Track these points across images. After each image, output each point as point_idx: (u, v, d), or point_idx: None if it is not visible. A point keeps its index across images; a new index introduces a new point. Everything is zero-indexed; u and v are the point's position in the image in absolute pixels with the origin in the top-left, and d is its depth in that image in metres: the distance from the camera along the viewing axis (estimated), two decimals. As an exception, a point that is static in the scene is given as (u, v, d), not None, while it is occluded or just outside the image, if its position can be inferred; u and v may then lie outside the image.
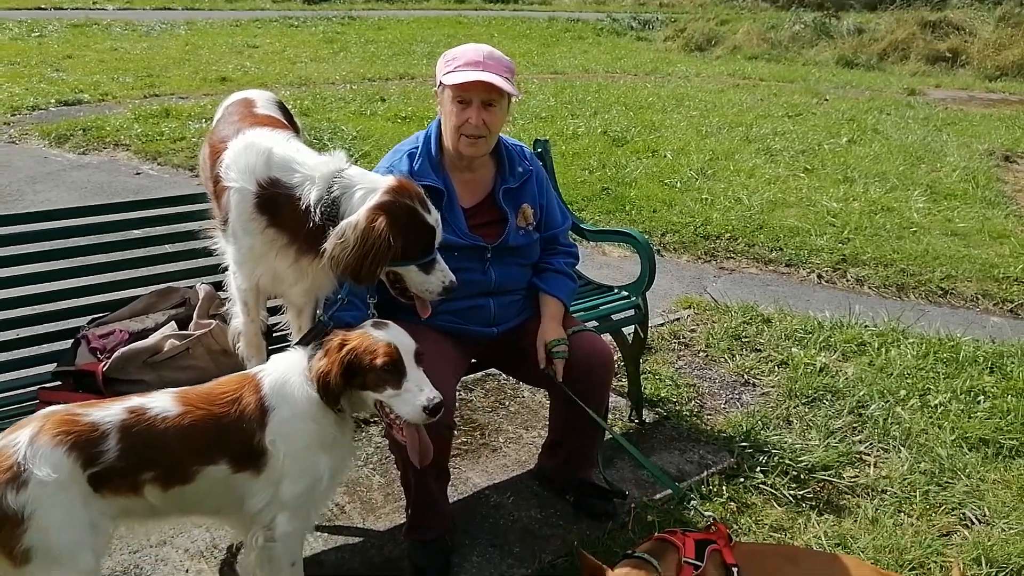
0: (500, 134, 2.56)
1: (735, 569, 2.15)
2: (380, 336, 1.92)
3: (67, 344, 2.50)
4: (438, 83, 2.44)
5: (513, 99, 2.46)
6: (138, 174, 6.78)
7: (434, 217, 2.05)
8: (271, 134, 2.10)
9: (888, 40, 15.85)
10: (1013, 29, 14.98)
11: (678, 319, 4.40)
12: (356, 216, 1.93)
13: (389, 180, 2.03)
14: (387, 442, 2.84)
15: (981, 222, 6.03)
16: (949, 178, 7.19)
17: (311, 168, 2.00)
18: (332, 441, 2.00)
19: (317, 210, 1.96)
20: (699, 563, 2.08)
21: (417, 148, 2.48)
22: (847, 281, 5.14)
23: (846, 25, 17.05)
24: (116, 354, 2.31)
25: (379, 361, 1.88)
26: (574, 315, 2.82)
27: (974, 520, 2.79)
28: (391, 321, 2.00)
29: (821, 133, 8.89)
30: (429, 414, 1.89)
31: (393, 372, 1.90)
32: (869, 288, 5.06)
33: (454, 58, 2.39)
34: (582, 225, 3.37)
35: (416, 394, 1.89)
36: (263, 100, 2.50)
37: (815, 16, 17.61)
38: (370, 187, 1.99)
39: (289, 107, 2.76)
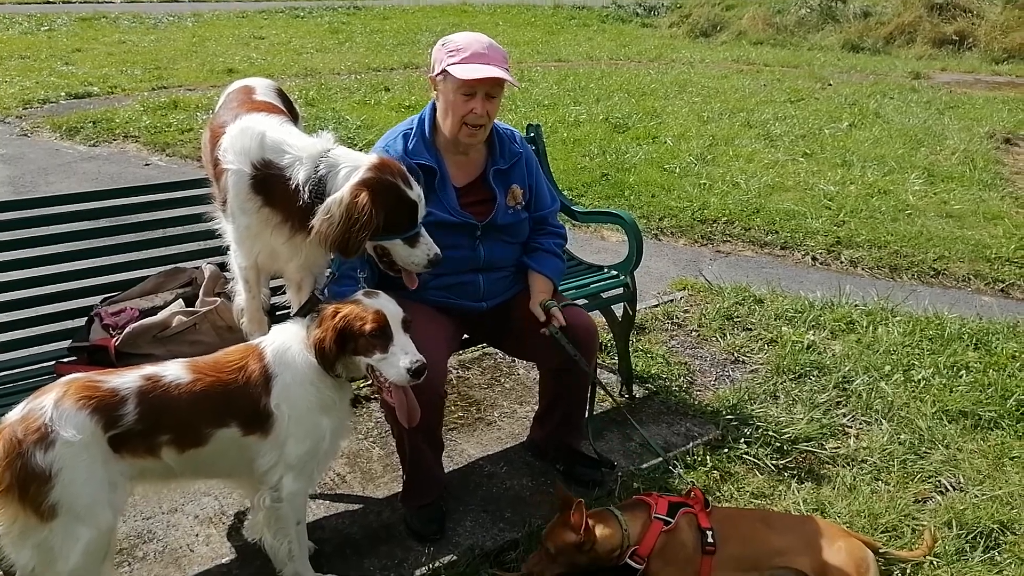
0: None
1: (709, 532, 2.28)
2: (370, 304, 2.06)
3: (81, 321, 2.64)
4: (438, 70, 2.49)
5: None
6: (147, 165, 6.93)
7: (416, 192, 2.16)
8: (266, 119, 2.22)
9: (895, 23, 15.75)
10: (1021, 11, 14.84)
11: (672, 300, 4.51)
12: (340, 193, 2.05)
13: (372, 158, 2.15)
14: (384, 414, 2.97)
15: (976, 204, 6.09)
16: (948, 161, 7.24)
17: (300, 149, 2.12)
18: (331, 404, 2.14)
19: (305, 189, 2.08)
20: (669, 520, 2.20)
21: (412, 129, 2.59)
22: (840, 263, 5.23)
23: (852, 9, 16.94)
24: (127, 330, 2.46)
25: (368, 327, 2.02)
26: (564, 293, 2.94)
27: (949, 487, 2.90)
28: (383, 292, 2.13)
29: (822, 118, 8.93)
30: (412, 376, 2.03)
31: (381, 337, 2.04)
32: (862, 269, 5.15)
33: (458, 48, 2.45)
34: (573, 207, 3.48)
35: (401, 357, 2.03)
36: (262, 87, 2.62)
37: (821, 0, 17.50)
38: (354, 165, 2.10)
39: (294, 97, 2.88)
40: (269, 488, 2.14)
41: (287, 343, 2.10)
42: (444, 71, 2.46)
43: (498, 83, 2.47)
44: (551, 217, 2.86)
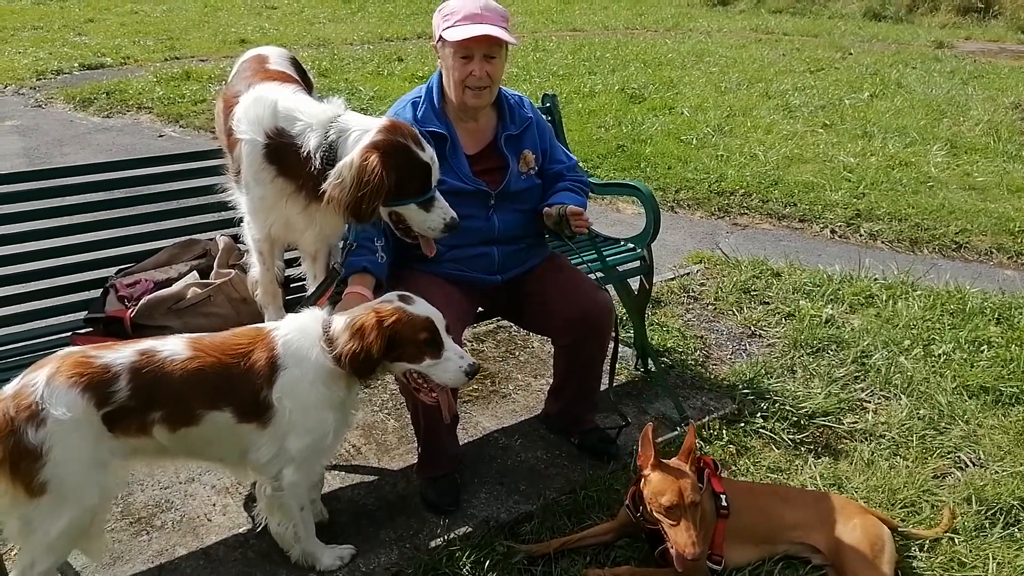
0: (501, 87, 2.62)
1: (722, 496, 2.27)
2: (416, 312, 2.03)
3: (97, 293, 2.64)
4: (437, 38, 2.49)
5: (511, 46, 2.51)
6: (161, 136, 6.92)
7: (428, 154, 2.11)
8: (278, 87, 2.18)
9: (918, -10, 15.38)
10: (1050, -23, 14.45)
11: (688, 274, 4.47)
12: (350, 156, 2.01)
13: (382, 121, 2.11)
14: (398, 387, 2.96)
15: (1000, 176, 5.97)
16: (971, 132, 7.10)
17: (311, 116, 2.08)
18: (340, 402, 2.10)
19: (317, 156, 2.05)
20: (700, 484, 2.20)
21: (420, 97, 2.56)
22: (860, 236, 5.16)
23: (875, -24, 16.52)
24: (142, 301, 2.45)
25: (423, 336, 2.01)
26: (579, 267, 2.91)
27: (968, 463, 2.86)
28: (410, 290, 2.13)
29: (843, 88, 8.76)
30: (469, 377, 2.07)
31: (433, 345, 2.04)
32: (882, 242, 5.07)
33: (451, 12, 2.42)
34: (589, 179, 3.42)
35: (457, 361, 2.05)
36: (276, 56, 2.58)
37: (843, -33, 17.06)
38: (364, 129, 2.06)
39: (307, 68, 2.83)
40: (269, 478, 2.12)
41: (300, 337, 2.03)
42: (441, 37, 2.44)
43: (495, 43, 2.41)
44: (569, 171, 2.78)
